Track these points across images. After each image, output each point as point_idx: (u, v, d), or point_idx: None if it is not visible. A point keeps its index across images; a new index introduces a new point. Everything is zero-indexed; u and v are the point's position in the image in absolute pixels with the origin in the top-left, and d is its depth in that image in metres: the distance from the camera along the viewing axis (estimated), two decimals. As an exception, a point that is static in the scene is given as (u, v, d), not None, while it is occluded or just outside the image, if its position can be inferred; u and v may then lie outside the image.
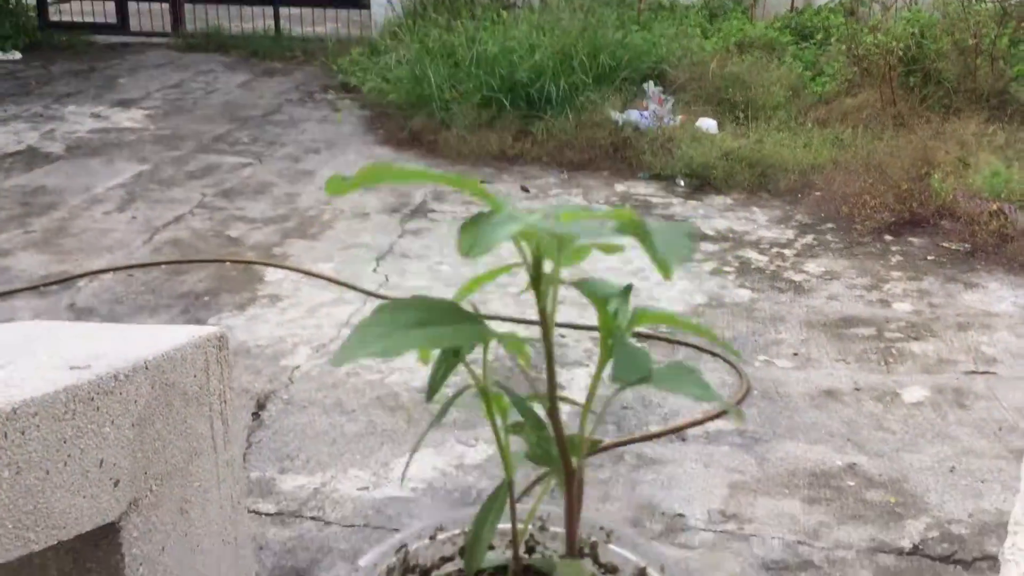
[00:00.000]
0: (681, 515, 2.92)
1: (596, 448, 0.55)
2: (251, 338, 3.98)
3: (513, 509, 0.55)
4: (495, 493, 0.53)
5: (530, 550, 0.57)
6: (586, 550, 0.57)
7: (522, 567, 0.56)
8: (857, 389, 3.65)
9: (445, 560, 0.57)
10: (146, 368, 1.45)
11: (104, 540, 1.43)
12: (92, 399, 1.35)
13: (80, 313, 4.21)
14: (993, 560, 2.83)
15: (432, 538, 0.56)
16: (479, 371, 0.53)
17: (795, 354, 3.92)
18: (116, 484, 1.42)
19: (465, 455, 3.20)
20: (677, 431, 3.31)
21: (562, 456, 0.50)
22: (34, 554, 1.27)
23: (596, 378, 0.56)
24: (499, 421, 0.57)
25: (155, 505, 1.51)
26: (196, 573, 1.62)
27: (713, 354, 3.87)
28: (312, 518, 2.92)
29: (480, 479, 3.00)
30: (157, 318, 4.16)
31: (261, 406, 3.50)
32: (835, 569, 2.75)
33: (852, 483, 3.09)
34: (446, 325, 0.47)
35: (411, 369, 3.76)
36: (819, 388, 3.65)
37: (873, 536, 2.86)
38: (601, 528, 0.56)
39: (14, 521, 1.21)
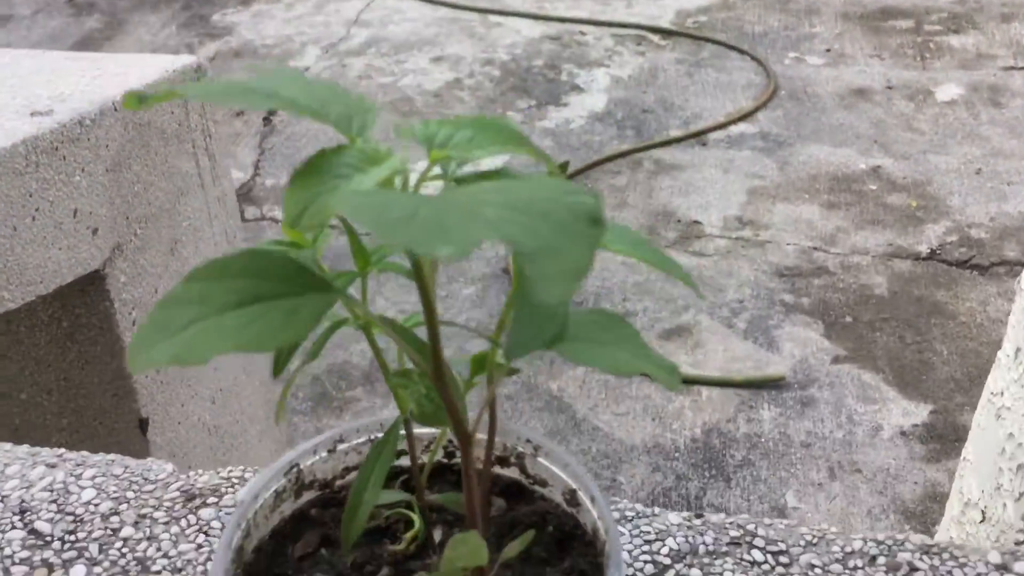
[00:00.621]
0: (697, 222, 2.89)
1: (509, 374, 0.43)
2: (257, 37, 3.83)
3: (412, 444, 0.49)
4: (382, 441, 0.44)
5: (450, 455, 0.51)
6: (512, 460, 0.52)
7: (427, 505, 0.50)
8: (889, 87, 3.49)
9: (349, 470, 0.52)
10: (115, 109, 1.37)
11: (91, 287, 1.41)
12: (56, 149, 1.28)
13: (80, 8, 4.05)
14: (1011, 266, 2.80)
15: (331, 451, 0.51)
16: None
17: (827, 50, 3.73)
18: (95, 232, 1.38)
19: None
20: (697, 135, 3.21)
21: (452, 418, 0.41)
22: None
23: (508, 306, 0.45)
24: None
25: (141, 249, 1.48)
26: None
27: (740, 51, 3.69)
28: (332, 226, 2.93)
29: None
30: (158, 15, 4.01)
31: (272, 111, 3.43)
32: (849, 275, 2.75)
33: (874, 187, 3.02)
34: (281, 299, 0.35)
35: (424, 71, 3.64)
36: (850, 87, 3.49)
37: (890, 241, 2.83)
38: (528, 441, 0.50)
39: (-15, 281, 1.18)
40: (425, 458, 0.49)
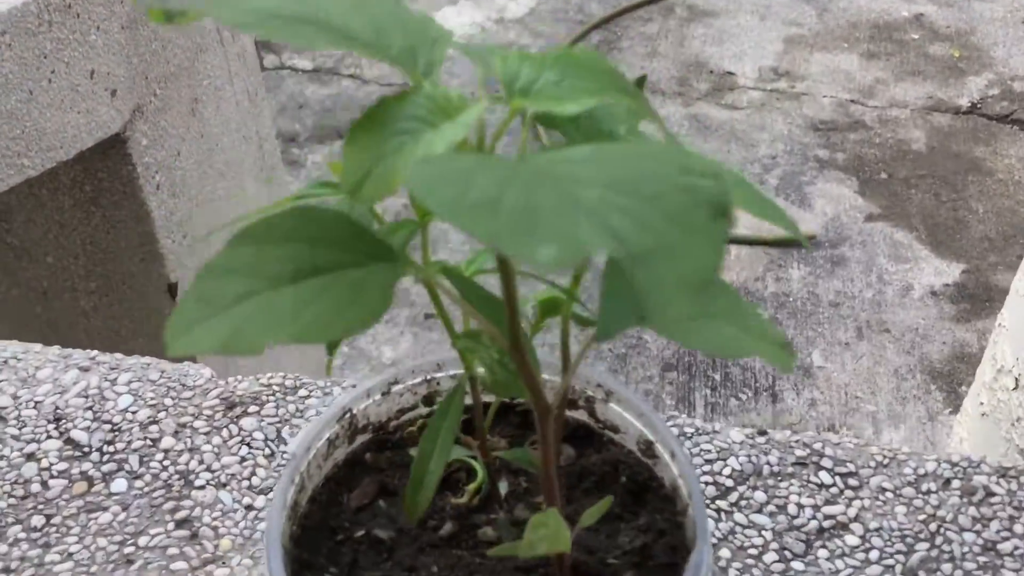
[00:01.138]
0: (731, 73, 2.78)
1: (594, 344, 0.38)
2: None
3: (475, 389, 0.44)
4: (445, 404, 0.39)
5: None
6: (581, 403, 0.47)
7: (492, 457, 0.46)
8: (936, -74, 3.31)
9: (404, 411, 0.48)
10: (128, -38, 1.29)
11: (112, 151, 1.36)
12: (69, 6, 1.21)
13: None
14: (1055, 121, 2.71)
15: (385, 393, 0.47)
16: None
17: None
18: (113, 94, 1.32)
19: (506, 8, 3.02)
20: (732, -22, 3.06)
21: (530, 389, 0.36)
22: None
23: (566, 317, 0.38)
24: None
25: (162, 110, 1.42)
26: (218, 172, 1.58)
27: None
28: (350, 76, 2.84)
29: (521, 35, 2.86)
30: None
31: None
32: (886, 129, 2.66)
33: (916, 36, 2.89)
34: (341, 270, 0.29)
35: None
36: (894, -75, 3.30)
37: (930, 94, 2.73)
38: (599, 385, 0.46)
39: (2, 150, 1.13)
40: (488, 398, 0.46)
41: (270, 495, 0.63)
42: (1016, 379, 1.41)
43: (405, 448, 0.49)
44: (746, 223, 2.52)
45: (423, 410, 0.49)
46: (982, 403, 1.49)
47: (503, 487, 0.46)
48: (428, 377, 0.49)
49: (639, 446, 0.47)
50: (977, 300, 2.41)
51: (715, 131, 2.61)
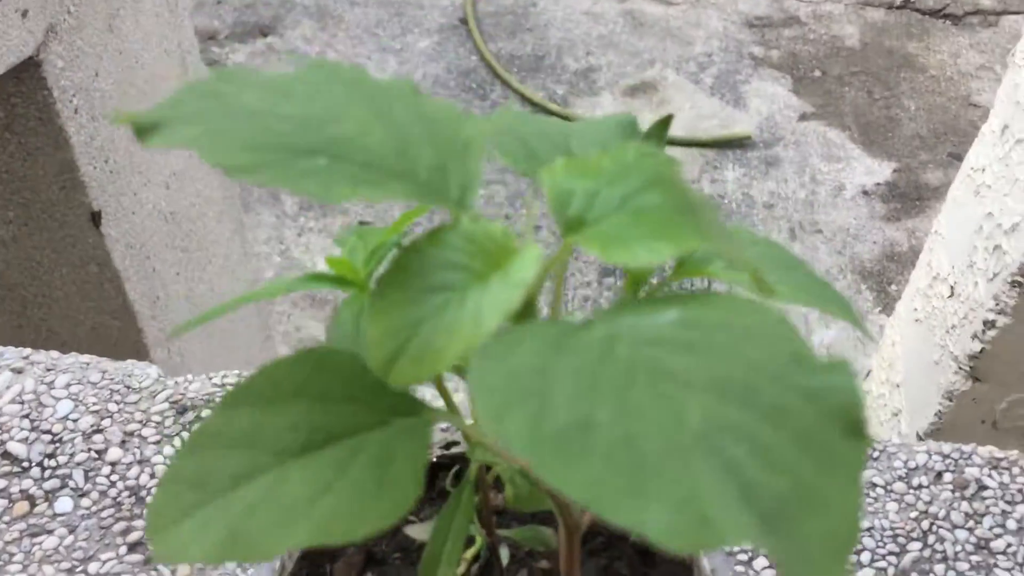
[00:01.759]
0: (663, -36, 2.70)
1: None
2: None
3: (482, 477, 0.39)
4: (452, 507, 0.34)
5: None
6: None
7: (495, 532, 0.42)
8: None
9: None
10: None
11: (25, 75, 1.25)
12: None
13: None
14: (985, 15, 2.69)
15: None
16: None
17: None
18: (24, 15, 1.21)
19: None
20: None
21: (558, 507, 0.31)
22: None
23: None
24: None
25: (77, 28, 1.31)
26: (139, 91, 1.47)
27: None
28: None
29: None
30: None
31: None
32: (820, 25, 2.62)
33: (851, -75, 2.83)
34: (359, 435, 0.24)
35: None
36: None
37: (865, -13, 2.69)
38: None
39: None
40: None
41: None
42: (952, 287, 1.41)
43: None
44: (681, 124, 2.48)
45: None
46: (916, 309, 1.50)
47: (504, 555, 0.42)
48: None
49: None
50: (907, 199, 2.42)
51: (650, 28, 2.54)
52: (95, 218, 1.43)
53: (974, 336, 1.28)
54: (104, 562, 0.58)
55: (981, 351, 1.28)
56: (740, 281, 0.31)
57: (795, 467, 0.19)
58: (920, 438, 1.39)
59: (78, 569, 0.57)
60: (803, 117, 2.54)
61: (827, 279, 0.28)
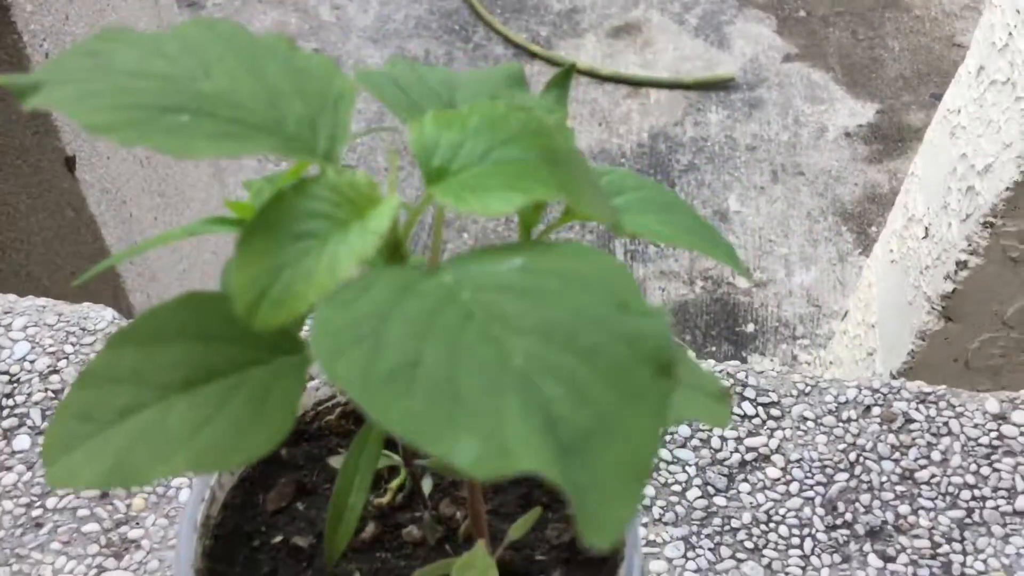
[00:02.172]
0: (648, -97, 2.67)
1: None
2: None
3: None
4: (364, 433, 0.36)
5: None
6: None
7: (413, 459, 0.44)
8: None
9: (321, 403, 0.45)
10: None
11: (-11, 19, 1.25)
12: None
13: None
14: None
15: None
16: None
17: None
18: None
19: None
20: None
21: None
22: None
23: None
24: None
25: (42, -28, 1.31)
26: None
27: None
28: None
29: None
30: None
31: None
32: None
33: None
34: (240, 371, 0.25)
35: None
36: None
37: (851, -75, 2.66)
38: None
39: None
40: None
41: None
42: (926, 228, 1.43)
43: (324, 439, 0.46)
44: (665, 65, 2.47)
45: (341, 399, 0.47)
46: (892, 250, 1.52)
47: (426, 484, 0.44)
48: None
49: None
50: (890, 140, 2.42)
51: None
52: (69, 163, 1.44)
53: (946, 277, 1.29)
54: (62, 497, 0.60)
55: (953, 291, 1.30)
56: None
57: (602, 401, 0.20)
58: (893, 377, 1.41)
59: (36, 504, 0.60)
60: (787, 58, 2.53)
61: (714, 231, 0.29)
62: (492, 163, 0.26)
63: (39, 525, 0.59)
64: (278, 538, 0.43)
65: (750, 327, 2.04)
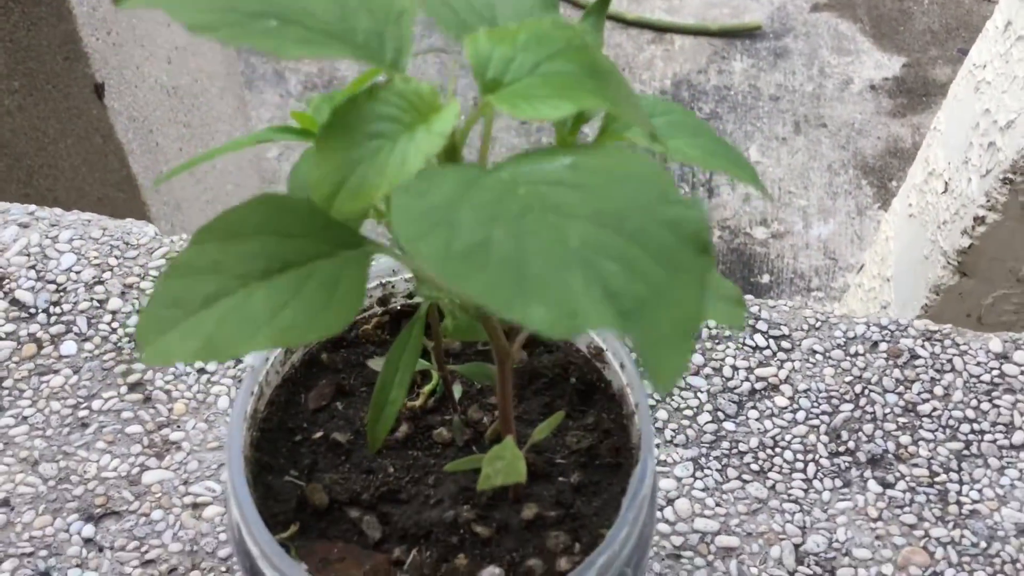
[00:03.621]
0: None
1: None
2: None
3: (434, 315, 0.44)
4: (405, 335, 0.39)
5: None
6: None
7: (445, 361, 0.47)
8: None
9: (359, 311, 0.48)
10: None
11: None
12: None
13: None
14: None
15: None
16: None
17: None
18: None
19: None
20: None
21: (492, 336, 0.36)
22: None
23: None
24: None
25: (78, -102, 1.33)
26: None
27: None
28: None
29: None
30: None
31: None
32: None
33: None
34: (312, 263, 0.28)
35: None
36: None
37: None
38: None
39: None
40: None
41: (225, 364, 0.64)
42: (946, 183, 1.44)
43: (361, 346, 0.49)
44: (691, 12, 2.47)
45: (377, 310, 0.50)
46: (911, 204, 1.53)
47: (457, 390, 0.48)
48: (383, 281, 0.49)
49: (589, 350, 0.48)
50: (914, 95, 2.42)
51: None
52: (98, 90, 1.46)
53: (964, 232, 1.30)
54: (107, 399, 0.63)
55: (969, 247, 1.31)
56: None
57: (652, 275, 0.24)
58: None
59: (82, 406, 0.63)
60: (815, 8, 2.52)
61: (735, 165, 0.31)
62: (541, 75, 0.29)
63: (85, 425, 0.62)
64: (319, 434, 0.46)
65: (765, 278, 2.06)
